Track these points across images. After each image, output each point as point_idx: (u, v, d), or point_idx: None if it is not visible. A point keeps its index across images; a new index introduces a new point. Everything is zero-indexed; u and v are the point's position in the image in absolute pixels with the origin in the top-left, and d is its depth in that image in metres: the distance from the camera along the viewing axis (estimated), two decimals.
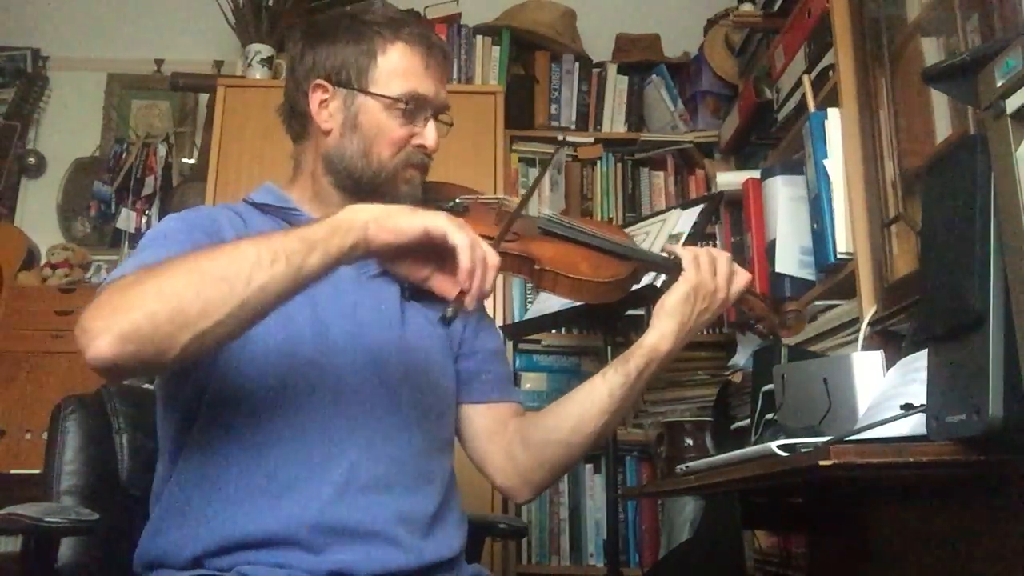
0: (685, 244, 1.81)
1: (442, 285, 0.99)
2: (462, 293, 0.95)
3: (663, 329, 1.18)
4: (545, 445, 1.20)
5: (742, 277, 1.23)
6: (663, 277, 1.80)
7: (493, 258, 0.96)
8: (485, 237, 1.19)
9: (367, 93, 1.16)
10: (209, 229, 1.09)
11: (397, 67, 1.17)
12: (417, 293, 1.07)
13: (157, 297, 0.86)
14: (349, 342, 1.11)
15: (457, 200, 1.25)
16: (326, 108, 1.18)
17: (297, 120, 1.22)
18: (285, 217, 1.19)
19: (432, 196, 1.24)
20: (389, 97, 1.16)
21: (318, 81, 1.18)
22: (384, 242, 0.93)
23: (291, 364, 1.07)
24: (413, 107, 1.17)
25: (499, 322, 2.38)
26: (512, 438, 1.23)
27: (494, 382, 1.27)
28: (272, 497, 1.03)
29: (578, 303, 2.01)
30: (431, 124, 1.19)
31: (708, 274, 1.19)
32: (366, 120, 1.16)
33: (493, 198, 1.30)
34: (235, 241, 0.94)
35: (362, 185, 1.17)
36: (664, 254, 1.28)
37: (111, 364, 0.85)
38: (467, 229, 0.95)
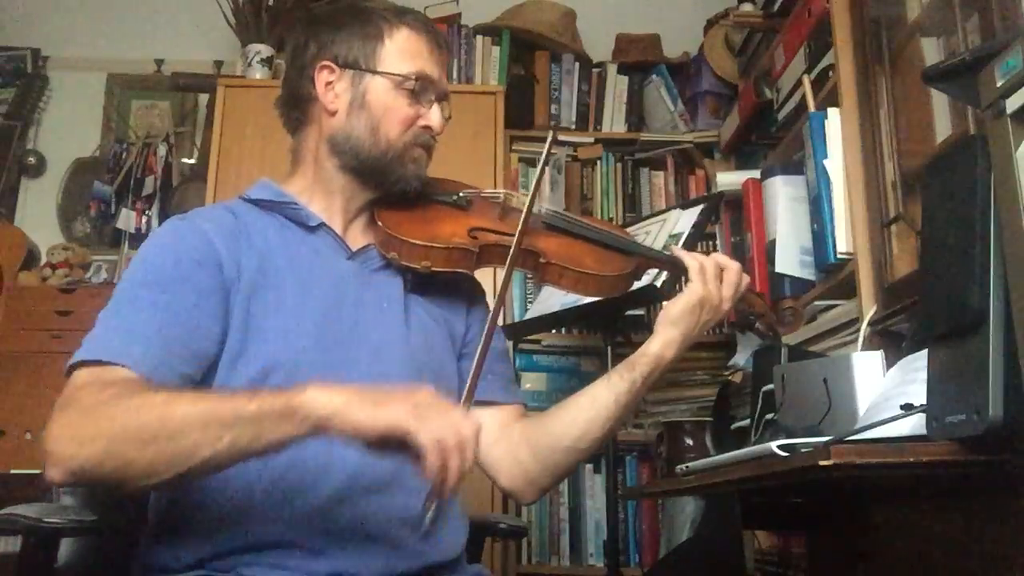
0: (685, 244, 1.81)
1: (419, 469, 0.87)
2: (433, 486, 0.88)
3: (667, 338, 1.19)
4: (552, 451, 1.20)
5: (746, 283, 1.24)
6: (664, 276, 1.80)
7: (467, 428, 0.87)
8: (493, 232, 1.20)
9: (375, 72, 1.17)
10: (194, 250, 1.07)
11: (404, 48, 1.19)
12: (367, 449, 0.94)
13: (106, 446, 0.89)
14: (352, 340, 1.11)
15: (460, 195, 1.25)
16: (332, 89, 1.18)
17: (299, 108, 1.22)
18: (283, 212, 1.18)
19: (435, 191, 1.24)
20: (399, 75, 1.17)
21: (324, 62, 1.18)
22: (342, 435, 0.88)
23: (293, 364, 1.07)
24: (420, 87, 1.18)
25: (499, 322, 2.38)
26: (518, 442, 1.23)
27: (499, 383, 1.27)
28: (273, 500, 1.03)
29: (581, 300, 2.02)
30: (436, 106, 1.20)
31: (715, 287, 1.20)
32: (374, 99, 1.17)
33: (496, 192, 1.30)
34: (193, 399, 0.92)
35: (368, 164, 1.17)
36: (668, 255, 1.28)
37: (64, 485, 0.95)
38: (431, 423, 0.86)
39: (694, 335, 1.20)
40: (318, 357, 1.08)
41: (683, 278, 1.22)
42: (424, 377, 1.16)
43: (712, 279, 1.20)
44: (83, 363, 0.97)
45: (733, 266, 1.22)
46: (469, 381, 1.04)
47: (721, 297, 1.20)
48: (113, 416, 0.90)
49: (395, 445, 0.87)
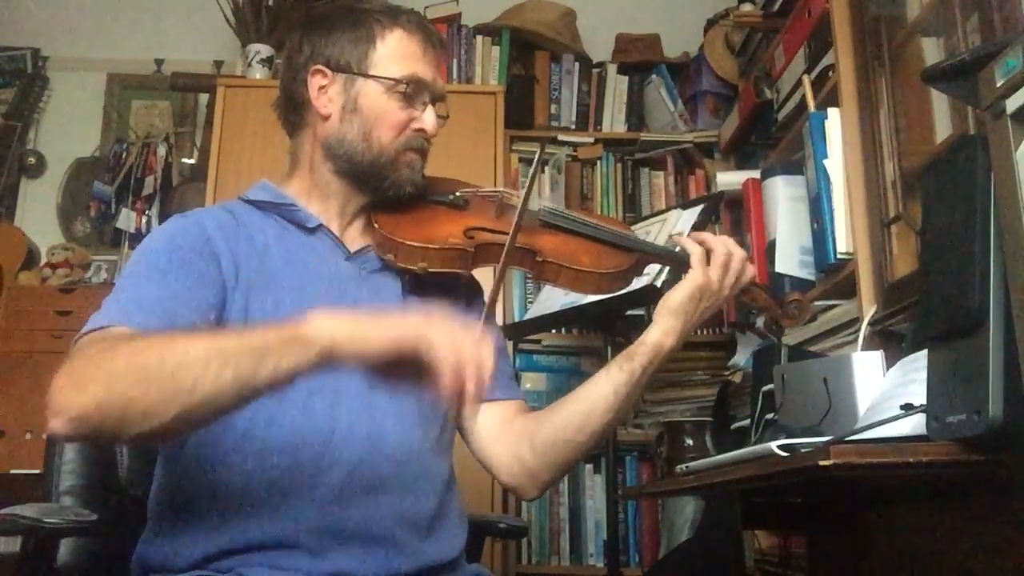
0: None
1: (433, 385, 0.86)
2: (449, 395, 0.85)
3: (666, 327, 1.18)
4: (552, 444, 1.20)
5: (749, 273, 1.23)
6: (664, 275, 1.80)
7: (473, 333, 0.86)
8: (489, 231, 1.19)
9: (367, 76, 1.17)
10: (195, 242, 1.08)
11: (396, 51, 1.18)
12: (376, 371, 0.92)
13: (106, 390, 0.86)
14: None
15: (457, 194, 1.25)
16: (325, 93, 1.18)
17: (294, 111, 1.22)
18: (282, 213, 1.18)
19: (432, 190, 1.24)
20: (390, 79, 1.16)
21: (317, 67, 1.18)
22: (351, 358, 0.86)
23: None
24: (413, 90, 1.17)
25: (499, 322, 2.38)
26: (519, 437, 1.22)
27: (498, 380, 1.27)
28: (272, 499, 1.03)
29: (581, 300, 2.02)
30: (430, 109, 1.19)
31: (717, 274, 1.18)
32: (366, 103, 1.17)
33: (493, 191, 1.30)
34: (192, 338, 0.89)
35: (362, 169, 1.17)
36: (670, 245, 1.27)
37: (66, 439, 0.90)
38: (443, 334, 0.85)
39: (693, 323, 1.19)
40: None
41: (684, 272, 1.21)
42: (423, 377, 1.16)
43: (716, 265, 1.18)
44: (86, 332, 0.96)
45: (739, 253, 1.21)
46: (489, 297, 1.05)
47: (722, 285, 1.19)
48: (114, 357, 0.88)
49: (406, 367, 0.85)
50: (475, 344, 0.85)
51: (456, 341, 0.85)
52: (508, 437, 1.23)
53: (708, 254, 1.19)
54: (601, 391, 1.18)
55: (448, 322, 0.86)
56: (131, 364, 0.86)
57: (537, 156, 1.28)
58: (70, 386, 0.87)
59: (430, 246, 1.15)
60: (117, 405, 0.85)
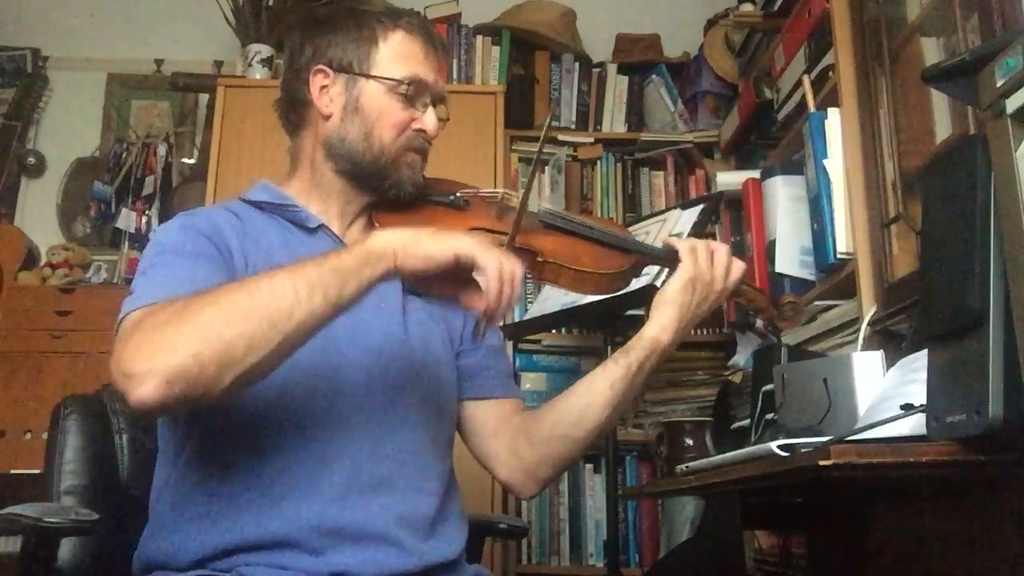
0: None
1: (470, 300, 1.00)
2: (489, 308, 0.98)
3: (662, 320, 1.18)
4: (549, 440, 1.20)
5: (738, 267, 1.23)
6: (664, 276, 1.80)
7: (519, 272, 0.99)
8: (490, 231, 1.20)
9: (369, 76, 1.17)
10: (210, 232, 1.09)
11: (398, 52, 1.18)
12: (419, 285, 1.09)
13: (202, 338, 0.86)
14: (350, 340, 1.11)
15: (458, 194, 1.25)
16: (327, 93, 1.18)
17: (295, 111, 1.22)
18: (283, 214, 1.18)
19: (432, 191, 1.24)
20: (391, 79, 1.17)
21: (319, 67, 1.18)
22: (413, 268, 0.96)
23: (292, 364, 1.06)
24: (414, 91, 1.18)
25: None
26: (516, 435, 1.23)
27: (496, 378, 1.28)
28: (273, 498, 1.03)
29: (580, 300, 2.02)
30: (431, 110, 1.20)
31: (705, 264, 1.20)
32: (367, 103, 1.17)
33: (494, 192, 1.30)
34: (269, 274, 0.93)
35: (363, 169, 1.18)
36: (663, 247, 1.28)
37: (158, 406, 0.85)
38: (492, 249, 0.98)
39: (690, 317, 1.19)
40: (317, 358, 1.08)
41: (679, 267, 1.22)
42: (423, 377, 1.17)
43: (703, 257, 1.20)
44: (130, 312, 0.95)
45: (721, 246, 1.23)
46: (513, 224, 1.12)
47: (713, 276, 1.20)
48: (196, 311, 0.87)
49: (450, 280, 0.99)
50: (516, 268, 0.98)
51: (502, 262, 0.97)
52: (506, 434, 1.24)
53: (695, 248, 1.21)
54: (598, 386, 1.18)
55: (493, 245, 0.99)
56: (220, 308, 0.88)
57: (537, 154, 1.28)
58: (150, 354, 0.85)
59: None
60: (218, 350, 0.86)
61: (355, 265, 0.94)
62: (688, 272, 1.19)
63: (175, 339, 0.86)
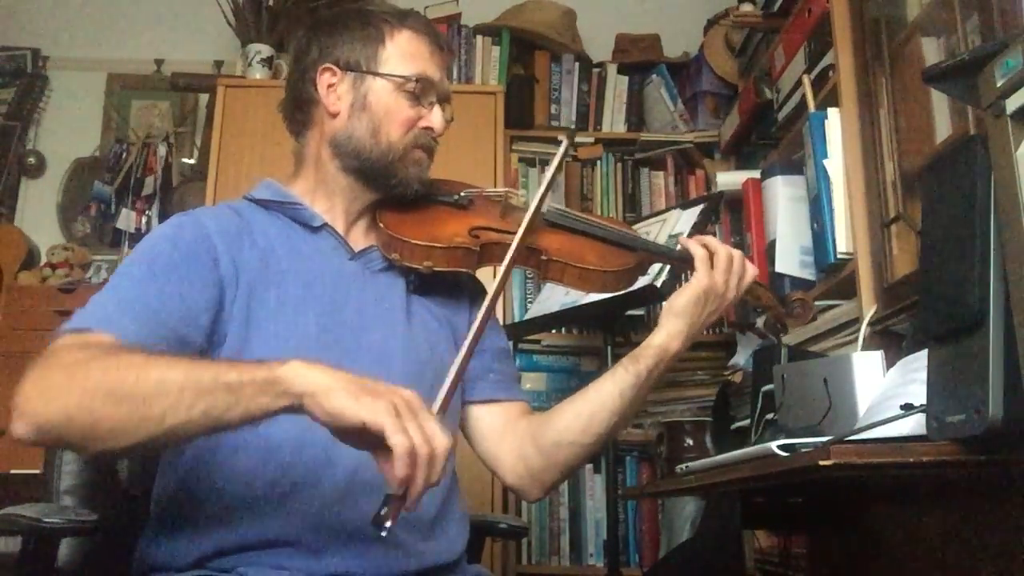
0: None
1: (382, 468, 0.83)
2: (394, 491, 0.81)
3: (672, 330, 1.18)
4: (557, 446, 1.20)
5: (751, 273, 1.23)
6: (664, 276, 1.80)
7: (441, 449, 0.81)
8: (494, 231, 1.19)
9: (377, 74, 1.18)
10: (194, 240, 1.07)
11: (405, 50, 1.19)
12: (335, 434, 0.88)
13: (77, 404, 0.86)
14: (354, 340, 1.11)
15: (462, 194, 1.25)
16: (334, 91, 1.19)
17: (301, 111, 1.22)
18: (286, 212, 1.19)
19: (437, 191, 1.24)
20: (399, 77, 1.17)
21: (326, 65, 1.19)
22: (319, 419, 0.84)
23: None
24: (421, 89, 1.18)
25: (500, 321, 2.39)
26: (523, 439, 1.23)
27: (502, 381, 1.27)
28: (274, 499, 1.03)
29: (580, 300, 2.02)
30: (437, 108, 1.20)
31: (721, 276, 1.19)
32: (375, 101, 1.18)
33: (498, 191, 1.30)
34: (172, 363, 0.88)
35: (370, 166, 1.18)
36: (673, 244, 1.27)
37: (31, 444, 0.89)
38: (412, 424, 0.81)
39: (699, 326, 1.19)
40: (319, 358, 1.07)
41: (686, 273, 1.21)
42: (426, 377, 1.16)
43: (720, 268, 1.19)
44: (69, 331, 0.96)
45: (737, 254, 1.22)
46: (445, 386, 0.93)
47: (727, 287, 1.19)
48: (88, 373, 0.88)
49: (365, 440, 0.82)
50: (438, 445, 0.81)
51: (417, 443, 0.80)
52: (512, 438, 1.24)
53: (712, 257, 1.20)
54: (607, 393, 1.18)
55: (416, 414, 0.82)
56: (105, 383, 0.87)
57: (562, 150, 1.26)
58: (38, 394, 0.88)
59: (436, 245, 1.16)
60: (86, 421, 0.86)
61: (252, 391, 0.84)
62: (702, 284, 1.18)
63: (60, 391, 0.88)
